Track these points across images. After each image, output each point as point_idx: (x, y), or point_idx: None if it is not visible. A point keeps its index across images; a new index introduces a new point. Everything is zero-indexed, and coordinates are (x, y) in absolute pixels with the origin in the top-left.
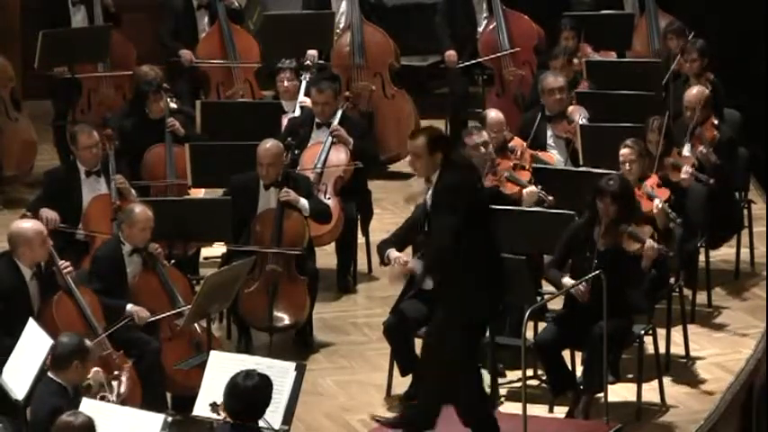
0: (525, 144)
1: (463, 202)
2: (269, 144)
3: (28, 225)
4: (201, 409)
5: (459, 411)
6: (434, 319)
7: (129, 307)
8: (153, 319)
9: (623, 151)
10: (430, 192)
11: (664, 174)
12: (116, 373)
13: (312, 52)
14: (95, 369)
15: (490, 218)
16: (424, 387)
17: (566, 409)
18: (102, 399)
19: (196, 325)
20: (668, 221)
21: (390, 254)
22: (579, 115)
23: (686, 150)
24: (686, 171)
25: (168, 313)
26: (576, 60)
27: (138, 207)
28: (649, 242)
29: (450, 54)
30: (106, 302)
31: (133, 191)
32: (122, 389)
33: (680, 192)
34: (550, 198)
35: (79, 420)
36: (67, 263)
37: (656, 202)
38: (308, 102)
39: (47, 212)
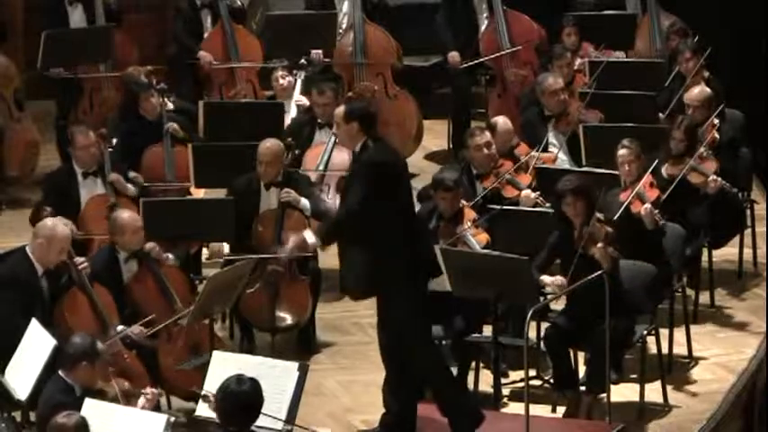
0: (530, 152)
1: (377, 180)
2: (269, 143)
3: (60, 225)
4: (203, 409)
5: (435, 398)
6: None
7: (121, 328)
8: (159, 327)
9: (621, 152)
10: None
11: (684, 174)
12: (145, 391)
13: (317, 52)
14: (121, 380)
15: (406, 196)
16: (390, 390)
17: None
18: None
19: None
20: (655, 223)
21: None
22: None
23: None
24: (713, 179)
25: (176, 317)
26: (578, 60)
27: (122, 213)
28: (599, 245)
29: (454, 55)
30: None
31: (130, 186)
32: (141, 401)
33: (695, 195)
34: (548, 205)
35: (72, 421)
36: (83, 259)
37: (645, 205)
38: (303, 100)
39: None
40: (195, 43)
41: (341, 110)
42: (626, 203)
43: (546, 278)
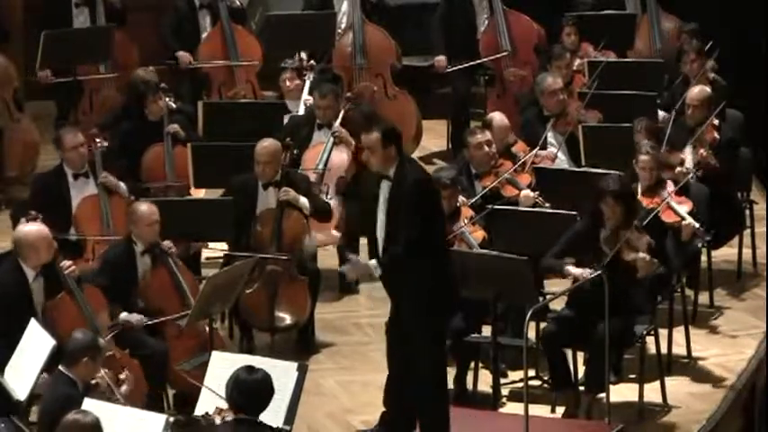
0: (528, 150)
1: (429, 200)
2: (266, 143)
3: (33, 230)
4: (203, 409)
5: (415, 401)
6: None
7: (123, 315)
8: (159, 320)
9: (644, 158)
10: (386, 186)
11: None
12: (121, 375)
13: (302, 56)
14: (105, 369)
15: (440, 216)
16: (391, 389)
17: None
18: (109, 399)
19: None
20: (693, 236)
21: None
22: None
23: (688, 151)
24: (680, 171)
25: (175, 316)
26: (577, 60)
27: (141, 205)
28: (642, 255)
29: (440, 59)
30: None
31: (122, 184)
32: (124, 388)
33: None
34: (547, 205)
35: (88, 419)
36: (70, 262)
37: (688, 220)
38: (312, 100)
39: (133, 317)
40: (180, 43)
41: (376, 136)
42: (656, 211)
43: (574, 270)
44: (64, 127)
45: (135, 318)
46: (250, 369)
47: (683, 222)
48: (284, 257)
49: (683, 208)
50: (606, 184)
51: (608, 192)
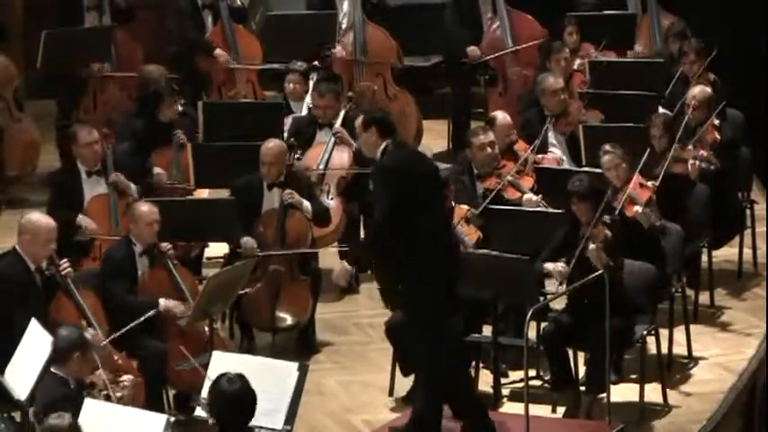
0: (529, 149)
1: (395, 185)
2: (272, 143)
3: (43, 220)
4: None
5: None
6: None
7: (163, 302)
8: (191, 314)
9: (604, 159)
10: None
11: (668, 168)
12: (121, 378)
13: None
14: (98, 371)
15: (438, 210)
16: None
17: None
18: (107, 398)
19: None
20: (651, 223)
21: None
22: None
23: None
24: (692, 163)
25: (179, 315)
26: (578, 60)
27: (141, 205)
28: (591, 246)
29: (474, 49)
30: (136, 303)
31: (133, 186)
32: (122, 393)
33: (684, 185)
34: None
35: (66, 422)
36: (65, 261)
37: (636, 207)
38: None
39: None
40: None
41: (359, 120)
42: (619, 207)
43: (548, 264)
44: (75, 124)
45: (180, 308)
46: (229, 380)
47: (635, 211)
48: (326, 248)
49: (641, 198)
50: (572, 185)
51: (573, 193)
